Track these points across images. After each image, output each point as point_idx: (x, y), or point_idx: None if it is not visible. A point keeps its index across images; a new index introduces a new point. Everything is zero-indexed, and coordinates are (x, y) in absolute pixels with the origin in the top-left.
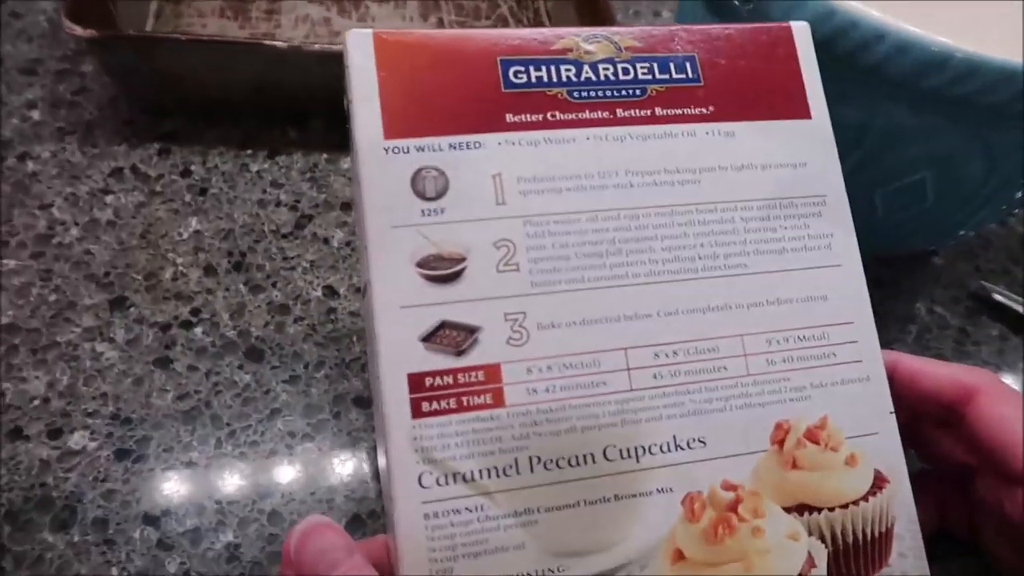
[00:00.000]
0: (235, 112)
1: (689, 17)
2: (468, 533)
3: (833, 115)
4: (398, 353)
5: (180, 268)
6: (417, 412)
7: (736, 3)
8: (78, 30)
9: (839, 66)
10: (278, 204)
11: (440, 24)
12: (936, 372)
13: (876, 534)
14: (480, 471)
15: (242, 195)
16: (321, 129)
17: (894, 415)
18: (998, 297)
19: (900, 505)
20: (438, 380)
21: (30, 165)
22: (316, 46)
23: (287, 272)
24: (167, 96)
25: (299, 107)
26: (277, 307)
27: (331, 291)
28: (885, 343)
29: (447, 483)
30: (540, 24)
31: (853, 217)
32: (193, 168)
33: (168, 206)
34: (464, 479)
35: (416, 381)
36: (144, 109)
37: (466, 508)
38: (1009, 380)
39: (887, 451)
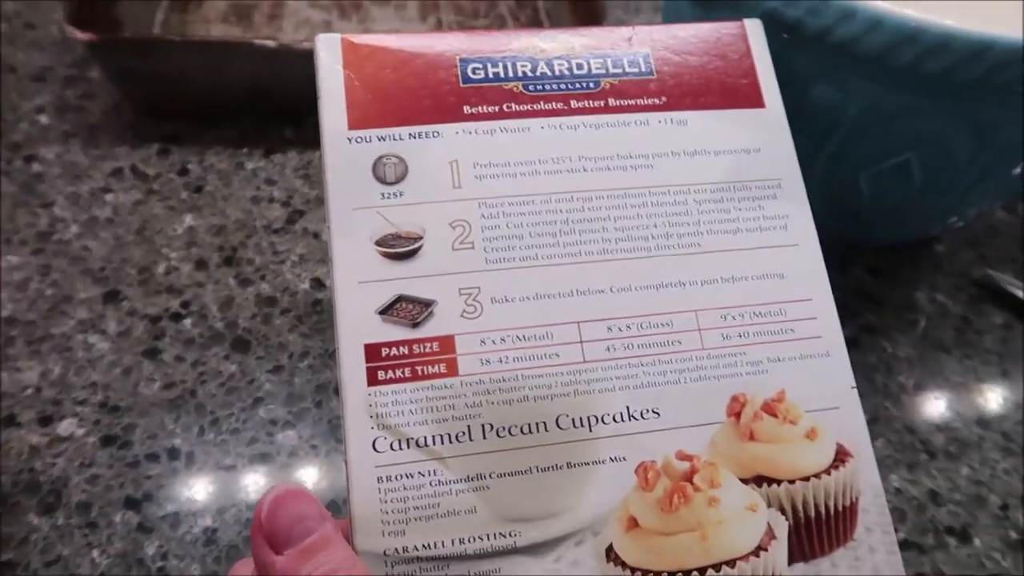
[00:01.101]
0: (233, 112)
1: (673, 6)
2: (420, 497)
3: (811, 96)
4: (355, 325)
5: (173, 263)
6: (373, 380)
7: None
8: (78, 34)
9: (813, 45)
10: (271, 200)
11: (439, 24)
12: None
13: (840, 508)
14: (433, 437)
15: (236, 192)
16: (316, 127)
17: (856, 390)
18: (1007, 285)
19: (865, 480)
20: (394, 350)
21: (35, 166)
22: (304, 44)
23: (276, 266)
24: (167, 98)
25: (294, 106)
26: (265, 299)
27: (318, 283)
28: (883, 331)
29: (400, 448)
30: (538, 23)
31: (843, 203)
32: (190, 167)
33: (165, 204)
34: (417, 444)
35: (372, 351)
36: (146, 111)
37: (419, 472)
38: (1012, 369)
39: (849, 426)
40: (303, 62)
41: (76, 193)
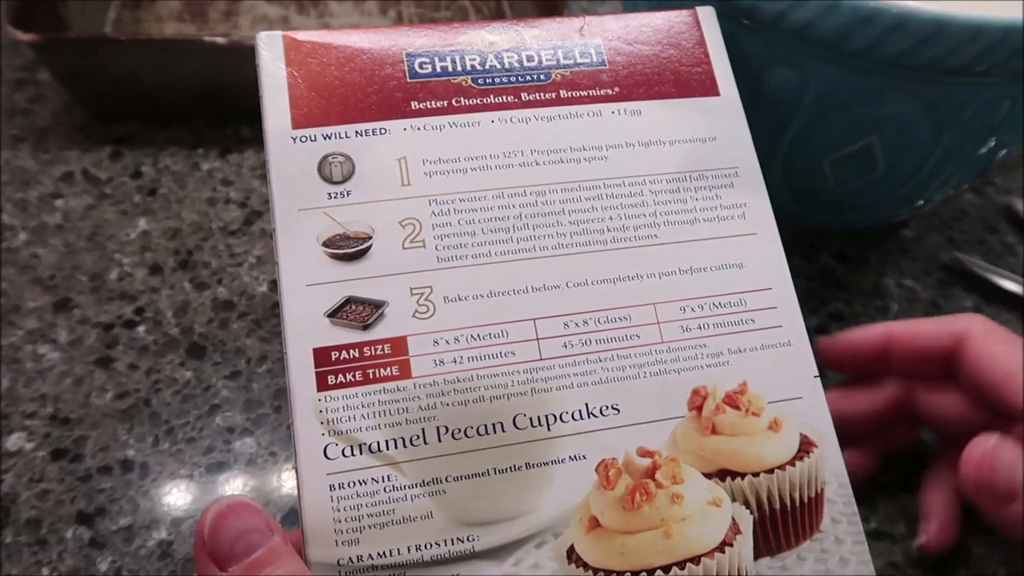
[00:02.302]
0: (187, 112)
1: None
2: (374, 504)
3: (770, 81)
4: (303, 329)
5: (126, 268)
6: (322, 385)
7: None
8: (20, 35)
9: (769, 30)
10: (227, 201)
11: (399, 18)
12: (927, 329)
13: (805, 499)
14: (386, 442)
15: (192, 194)
16: None
17: (819, 379)
18: (975, 268)
19: (830, 470)
20: (344, 354)
21: None
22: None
23: (233, 268)
24: (118, 99)
25: (250, 104)
26: (222, 303)
27: (276, 286)
28: (852, 318)
29: (353, 454)
30: (501, 13)
31: (808, 189)
32: (144, 169)
33: (117, 208)
34: (370, 450)
35: (322, 355)
36: (97, 113)
37: (372, 479)
38: None
39: (813, 415)
40: (253, 58)
41: (25, 199)
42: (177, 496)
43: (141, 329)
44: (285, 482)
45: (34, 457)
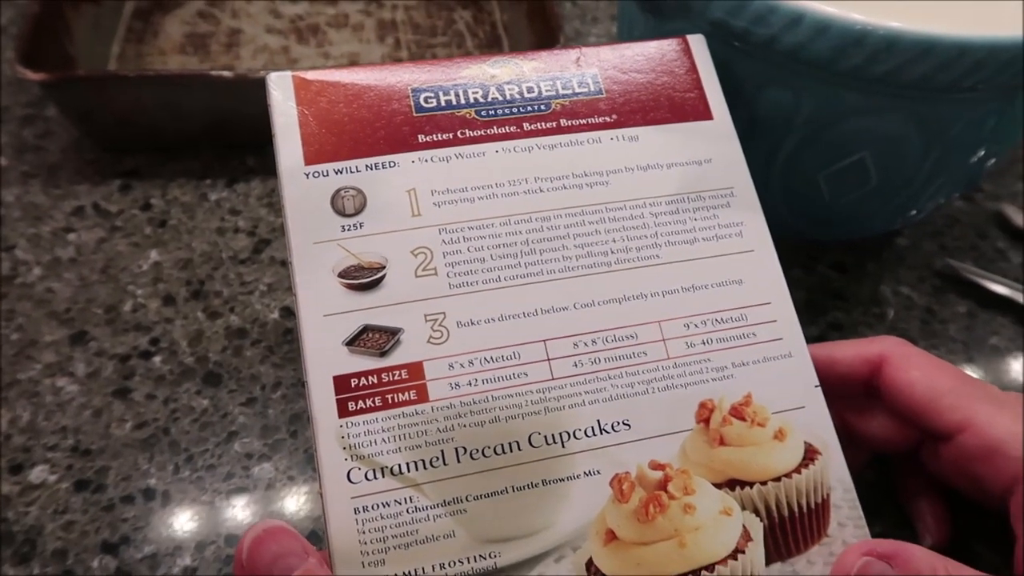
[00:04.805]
0: (194, 144)
1: (627, 17)
2: (398, 525)
3: (765, 100)
4: (323, 358)
5: (139, 300)
6: (343, 411)
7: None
8: (29, 74)
9: (762, 53)
10: (236, 231)
11: (397, 44)
12: (844, 354)
13: (812, 505)
14: (407, 464)
15: (201, 224)
16: None
17: (820, 388)
18: (967, 274)
19: (834, 476)
20: (363, 380)
21: None
22: (261, 73)
23: (245, 296)
24: (126, 133)
25: (255, 134)
26: (235, 331)
27: (288, 312)
28: (850, 327)
29: (375, 478)
30: (496, 37)
31: (805, 204)
32: (153, 201)
33: (128, 240)
34: (392, 473)
35: (341, 382)
36: (106, 148)
37: (395, 501)
38: (977, 356)
39: (816, 424)
40: (261, 90)
41: (37, 235)
42: (199, 523)
43: (157, 359)
44: (304, 505)
45: (57, 489)
